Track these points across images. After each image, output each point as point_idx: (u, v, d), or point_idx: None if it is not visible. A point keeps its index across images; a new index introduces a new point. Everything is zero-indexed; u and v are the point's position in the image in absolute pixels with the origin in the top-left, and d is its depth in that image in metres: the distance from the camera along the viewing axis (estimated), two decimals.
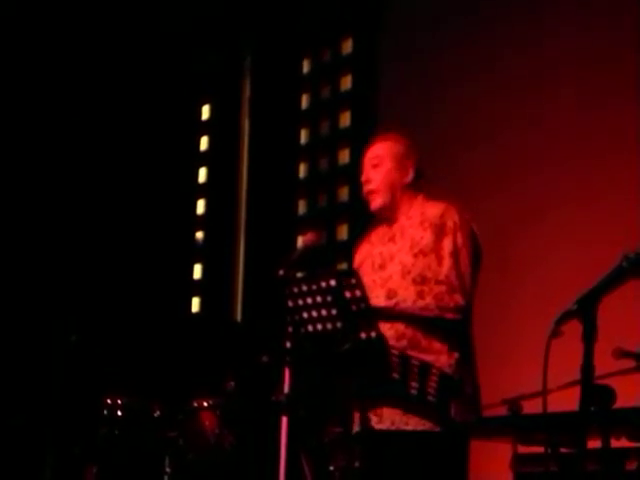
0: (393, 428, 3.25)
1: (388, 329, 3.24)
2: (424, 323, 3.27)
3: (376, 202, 3.48)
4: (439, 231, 3.34)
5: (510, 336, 5.30)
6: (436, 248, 3.31)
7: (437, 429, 3.23)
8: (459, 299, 3.27)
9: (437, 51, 6.13)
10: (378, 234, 3.54)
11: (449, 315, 3.27)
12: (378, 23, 6.61)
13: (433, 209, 3.41)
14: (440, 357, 3.27)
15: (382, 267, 3.42)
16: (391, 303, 3.26)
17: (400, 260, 3.37)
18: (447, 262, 3.30)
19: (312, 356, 3.35)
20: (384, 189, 3.46)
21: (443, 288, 3.27)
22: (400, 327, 3.28)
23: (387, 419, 3.26)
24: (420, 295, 3.26)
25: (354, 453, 3.38)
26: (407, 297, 3.27)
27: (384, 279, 3.38)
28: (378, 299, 3.26)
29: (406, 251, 3.34)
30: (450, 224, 3.36)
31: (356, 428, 3.36)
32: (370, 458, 3.28)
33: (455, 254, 3.31)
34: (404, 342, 3.27)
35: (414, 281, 3.31)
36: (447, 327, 3.28)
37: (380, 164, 3.48)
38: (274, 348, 3.94)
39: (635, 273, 2.46)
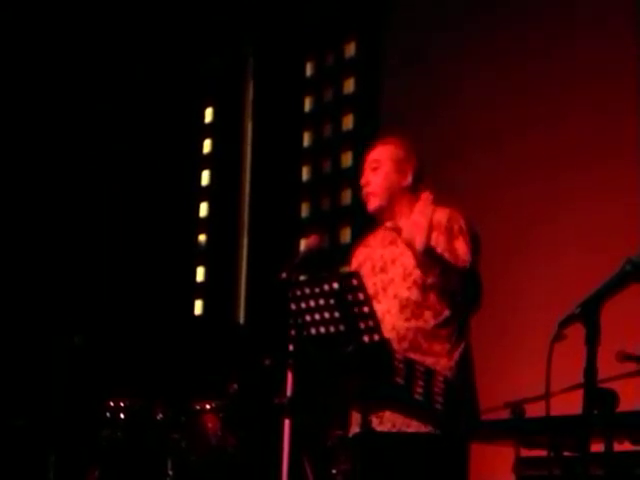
0: (394, 430, 3.26)
1: (389, 331, 3.25)
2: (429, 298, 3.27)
3: (373, 204, 3.49)
4: (448, 233, 3.35)
5: (513, 340, 5.30)
6: (449, 249, 3.31)
7: (438, 432, 3.23)
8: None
9: (441, 54, 6.14)
10: (377, 238, 3.55)
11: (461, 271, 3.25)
12: (382, 26, 6.61)
13: (437, 213, 3.41)
14: (440, 360, 3.28)
15: (383, 270, 3.43)
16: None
17: (402, 263, 3.38)
18: (467, 262, 3.29)
19: (315, 359, 3.35)
20: (382, 192, 3.47)
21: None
22: (401, 329, 3.30)
23: (388, 421, 3.26)
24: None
25: (355, 455, 3.38)
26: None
27: (385, 282, 3.39)
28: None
29: (409, 254, 3.34)
30: (457, 227, 3.37)
31: (354, 429, 3.36)
32: (370, 460, 3.28)
33: (471, 256, 3.31)
34: (405, 344, 3.27)
35: (415, 283, 3.32)
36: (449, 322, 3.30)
37: (379, 167, 3.50)
38: (277, 351, 3.94)
39: (639, 276, 2.45)
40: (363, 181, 3.53)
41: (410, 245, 3.17)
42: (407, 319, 3.31)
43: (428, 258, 3.17)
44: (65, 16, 7.31)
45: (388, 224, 3.49)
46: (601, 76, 5.27)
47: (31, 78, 7.21)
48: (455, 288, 3.26)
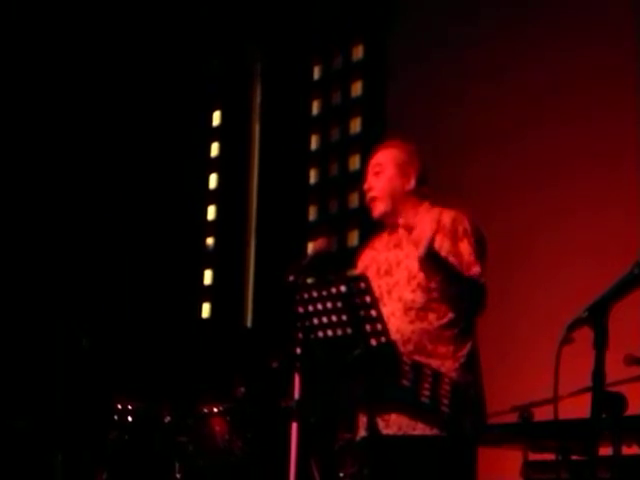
0: (400, 433, 3.25)
1: (394, 334, 3.23)
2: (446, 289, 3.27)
3: (378, 209, 3.48)
4: (452, 236, 3.34)
5: (521, 343, 5.29)
6: (454, 252, 3.30)
7: (445, 434, 3.23)
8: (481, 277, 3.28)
9: (447, 58, 6.14)
10: (382, 241, 3.54)
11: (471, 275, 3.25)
12: (389, 29, 6.61)
13: (442, 215, 3.40)
14: (445, 362, 3.27)
15: (388, 273, 3.42)
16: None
17: (407, 265, 3.38)
18: (472, 265, 3.28)
19: (322, 362, 3.34)
20: (385, 196, 3.46)
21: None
22: (406, 332, 3.29)
23: (394, 424, 3.26)
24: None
25: (361, 459, 3.37)
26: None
27: (390, 285, 3.39)
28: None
29: (413, 257, 3.32)
30: (461, 229, 3.36)
31: (362, 433, 3.36)
32: (377, 463, 3.27)
33: (476, 258, 3.30)
34: (410, 347, 3.27)
35: (419, 285, 3.32)
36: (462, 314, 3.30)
37: (382, 171, 3.48)
38: (284, 354, 3.94)
39: None
40: (366, 186, 3.52)
41: (416, 247, 3.17)
42: (411, 321, 3.31)
43: (431, 264, 3.17)
44: (72, 21, 7.33)
45: (400, 221, 3.46)
46: (602, 77, 5.27)
47: (37, 84, 7.23)
48: (458, 292, 3.26)
